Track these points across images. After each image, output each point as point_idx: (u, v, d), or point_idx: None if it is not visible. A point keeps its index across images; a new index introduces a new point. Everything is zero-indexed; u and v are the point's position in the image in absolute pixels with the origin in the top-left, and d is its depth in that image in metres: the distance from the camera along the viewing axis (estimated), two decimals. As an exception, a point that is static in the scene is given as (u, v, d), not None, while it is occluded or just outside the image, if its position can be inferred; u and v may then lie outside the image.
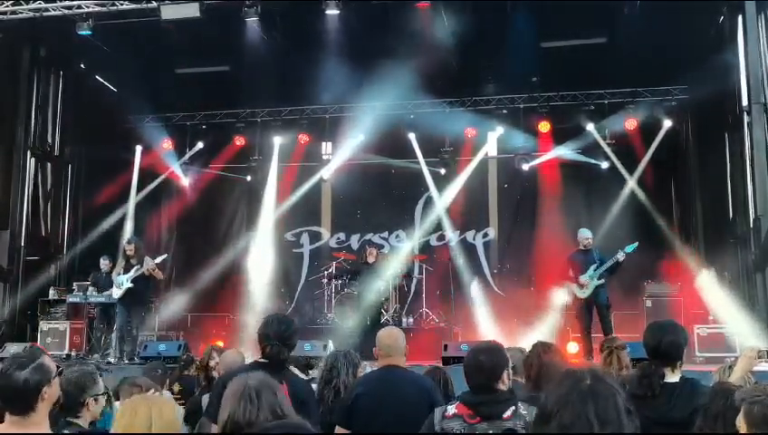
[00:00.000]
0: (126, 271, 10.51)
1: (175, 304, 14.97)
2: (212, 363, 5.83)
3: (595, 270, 9.90)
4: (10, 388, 3.04)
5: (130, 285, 10.41)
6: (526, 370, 3.92)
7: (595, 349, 8.02)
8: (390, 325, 10.69)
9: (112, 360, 10.31)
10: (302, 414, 3.84)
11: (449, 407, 3.49)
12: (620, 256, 9.78)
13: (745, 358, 4.09)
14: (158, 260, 10.87)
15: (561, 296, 12.27)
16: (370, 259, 12.24)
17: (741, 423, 2.50)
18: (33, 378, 3.06)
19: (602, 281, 9.94)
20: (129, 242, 10.95)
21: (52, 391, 3.14)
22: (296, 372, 5.18)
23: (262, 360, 4.17)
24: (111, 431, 3.08)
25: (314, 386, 4.86)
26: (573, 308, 10.41)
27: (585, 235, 10.28)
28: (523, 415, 3.36)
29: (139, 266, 10.46)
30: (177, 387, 6.37)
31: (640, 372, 3.78)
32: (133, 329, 10.61)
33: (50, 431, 3.18)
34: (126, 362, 10.20)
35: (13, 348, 10.32)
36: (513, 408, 3.38)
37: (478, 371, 3.49)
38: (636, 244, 9.99)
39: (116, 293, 10.54)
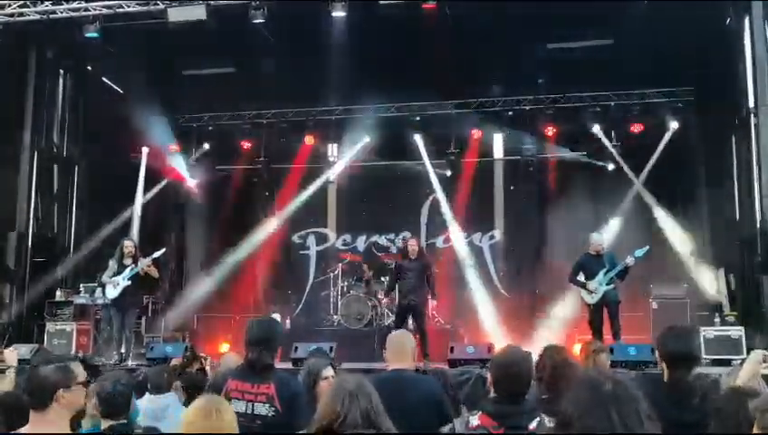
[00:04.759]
0: (119, 273, 10.44)
1: (181, 306, 15.03)
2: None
3: (605, 275, 9.86)
4: (32, 379, 3.20)
5: (128, 283, 10.37)
6: (538, 372, 3.92)
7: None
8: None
9: (130, 362, 10.32)
10: (291, 413, 3.89)
11: (472, 418, 3.45)
12: (630, 262, 9.71)
13: (751, 362, 4.08)
14: (156, 255, 10.80)
15: (566, 298, 12.30)
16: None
17: (757, 432, 2.49)
18: (53, 376, 3.17)
19: (612, 286, 9.91)
20: (129, 240, 10.92)
21: (70, 397, 3.20)
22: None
23: (249, 362, 4.15)
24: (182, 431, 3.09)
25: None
26: (584, 312, 10.37)
27: (597, 240, 10.19)
28: (549, 427, 3.31)
29: (134, 266, 10.41)
30: (178, 383, 6.25)
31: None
32: (127, 330, 10.54)
33: (66, 432, 3.22)
34: (132, 363, 10.21)
35: (20, 349, 10.34)
36: (539, 419, 3.35)
37: (511, 381, 3.44)
38: (647, 248, 9.94)
39: (112, 292, 10.44)
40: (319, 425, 3.10)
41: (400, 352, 4.45)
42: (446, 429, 4.02)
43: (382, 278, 13.20)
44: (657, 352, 3.90)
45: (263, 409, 3.92)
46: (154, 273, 10.76)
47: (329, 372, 4.61)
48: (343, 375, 3.30)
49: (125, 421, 3.80)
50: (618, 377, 2.17)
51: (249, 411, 3.92)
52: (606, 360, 5.34)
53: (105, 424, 3.73)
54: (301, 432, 3.84)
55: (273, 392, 3.93)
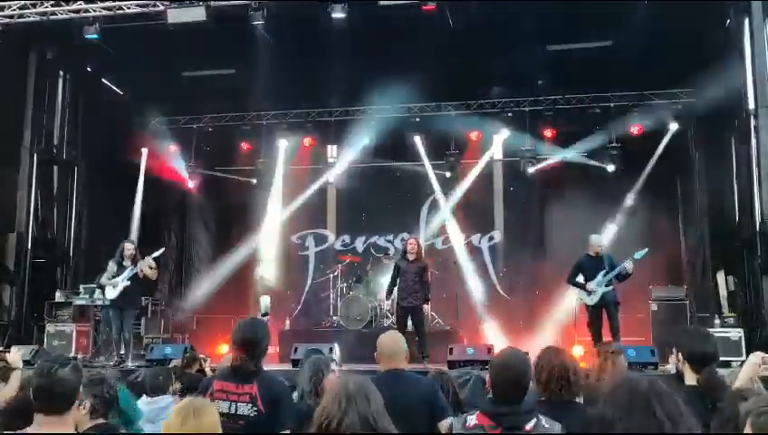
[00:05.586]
0: (118, 274, 10.41)
1: (181, 307, 15.03)
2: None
3: (604, 276, 9.83)
4: (53, 384, 3.04)
5: (127, 283, 10.33)
6: (537, 373, 3.92)
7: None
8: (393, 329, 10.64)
9: (129, 364, 10.30)
10: (273, 413, 3.92)
11: (469, 417, 3.46)
12: (629, 266, 9.69)
13: (750, 364, 4.07)
14: (156, 255, 10.77)
15: (566, 299, 12.29)
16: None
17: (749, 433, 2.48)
18: (74, 377, 3.10)
19: (611, 288, 9.88)
20: (129, 242, 10.91)
21: (80, 395, 3.19)
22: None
23: (233, 365, 4.17)
24: (163, 431, 3.08)
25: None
26: (584, 313, 10.35)
27: (597, 241, 10.17)
28: (546, 428, 3.33)
29: (133, 267, 10.39)
30: (177, 385, 6.17)
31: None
32: (126, 332, 10.52)
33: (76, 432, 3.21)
34: (132, 365, 10.20)
35: (20, 351, 10.34)
36: (536, 420, 3.34)
37: (509, 382, 3.44)
38: (646, 250, 9.91)
39: (111, 293, 10.41)
40: (317, 427, 3.09)
41: (393, 352, 4.47)
42: (445, 423, 4.04)
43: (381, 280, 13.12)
44: (679, 355, 3.85)
45: (245, 409, 3.96)
46: (153, 275, 10.75)
47: (335, 365, 4.64)
48: (346, 377, 3.29)
49: (105, 421, 3.80)
50: (652, 377, 2.18)
51: (232, 411, 3.98)
52: (624, 361, 5.16)
53: (89, 424, 3.70)
54: (284, 432, 3.89)
55: (256, 392, 3.98)
